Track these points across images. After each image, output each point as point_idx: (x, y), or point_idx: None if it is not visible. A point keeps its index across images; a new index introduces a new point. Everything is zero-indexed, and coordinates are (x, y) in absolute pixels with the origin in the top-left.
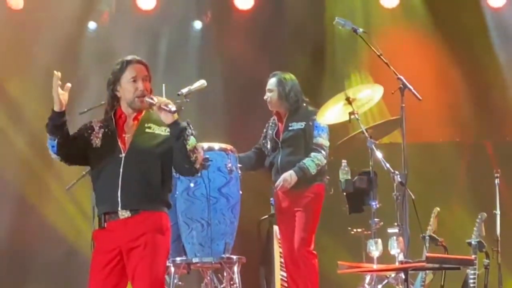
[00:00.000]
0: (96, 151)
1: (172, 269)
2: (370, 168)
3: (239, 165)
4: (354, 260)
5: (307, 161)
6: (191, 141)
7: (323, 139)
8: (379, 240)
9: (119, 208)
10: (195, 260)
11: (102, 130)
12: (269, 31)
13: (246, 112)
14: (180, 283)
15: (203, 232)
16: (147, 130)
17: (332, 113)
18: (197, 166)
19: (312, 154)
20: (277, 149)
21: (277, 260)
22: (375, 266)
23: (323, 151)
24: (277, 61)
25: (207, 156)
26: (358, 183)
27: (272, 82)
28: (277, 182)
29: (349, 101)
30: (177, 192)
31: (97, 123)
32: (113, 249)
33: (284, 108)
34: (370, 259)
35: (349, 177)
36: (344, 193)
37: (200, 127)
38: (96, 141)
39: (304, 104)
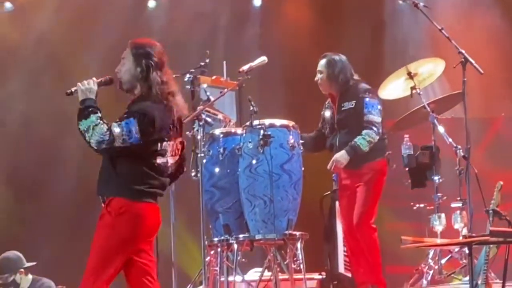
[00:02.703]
0: None
1: (235, 246)
2: (433, 142)
3: (301, 141)
4: (417, 236)
5: (358, 140)
6: (84, 122)
7: (373, 116)
8: (443, 215)
9: (100, 198)
10: (258, 237)
11: None
12: (330, 5)
13: (308, 88)
14: (243, 260)
15: (266, 209)
16: (99, 114)
17: (393, 88)
18: (93, 146)
19: (364, 131)
20: (335, 130)
21: (340, 236)
22: (438, 241)
23: (374, 128)
24: (338, 36)
25: (269, 132)
26: (420, 158)
27: (322, 63)
28: (329, 164)
29: (410, 76)
30: (239, 169)
31: None
32: None
33: (335, 89)
34: (433, 234)
35: (412, 152)
36: (407, 168)
37: (261, 103)
38: None
39: (355, 82)
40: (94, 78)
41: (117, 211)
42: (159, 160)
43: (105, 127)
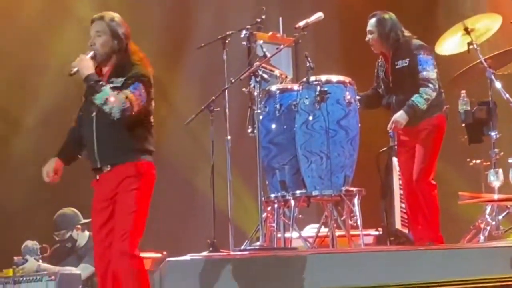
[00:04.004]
0: (81, 116)
1: (292, 202)
2: (490, 98)
3: (358, 97)
4: (474, 192)
5: (415, 98)
6: (99, 95)
7: (429, 72)
8: (500, 170)
9: (98, 165)
10: (315, 193)
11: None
12: None
13: (364, 44)
14: (300, 216)
15: (323, 165)
16: (110, 84)
17: (450, 44)
18: (115, 116)
19: (421, 89)
20: (390, 89)
21: (397, 192)
22: (496, 196)
23: (430, 84)
24: None
25: (325, 89)
26: (477, 113)
27: (371, 23)
28: (389, 125)
29: (467, 31)
30: (296, 125)
31: None
32: (104, 200)
33: (387, 48)
34: (490, 190)
35: (469, 108)
36: (463, 124)
37: (317, 60)
38: (82, 109)
39: (406, 39)
40: (83, 55)
41: (141, 173)
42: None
43: (121, 95)
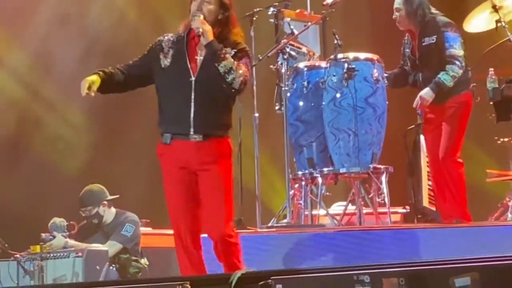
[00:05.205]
0: (165, 72)
1: (320, 179)
2: None
3: (385, 74)
4: (502, 170)
5: (442, 75)
6: (225, 62)
7: (455, 50)
8: None
9: (191, 132)
10: (342, 170)
11: (172, 50)
12: None
13: (392, 21)
14: (327, 193)
15: (350, 142)
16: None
17: (478, 21)
18: (235, 86)
19: (447, 66)
20: (416, 66)
21: (424, 170)
22: None
23: (457, 62)
24: None
25: (353, 66)
26: (505, 91)
27: (398, 0)
28: (415, 102)
29: (495, 8)
30: (323, 103)
31: (167, 42)
32: (184, 167)
33: (414, 25)
34: None
35: (497, 85)
36: (491, 102)
37: (345, 37)
38: (165, 61)
39: (433, 16)
40: (196, 16)
41: (231, 151)
42: None
43: (243, 67)
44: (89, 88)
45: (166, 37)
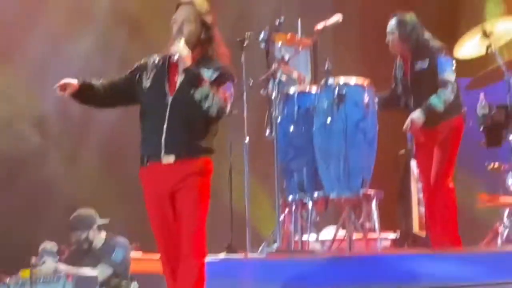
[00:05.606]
0: (145, 93)
1: (310, 204)
2: (508, 101)
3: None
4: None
5: (433, 99)
6: (201, 90)
7: (448, 74)
8: None
9: (163, 153)
10: (332, 195)
11: (154, 71)
12: None
13: (383, 45)
14: (318, 218)
15: (340, 168)
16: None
17: (468, 47)
18: (212, 114)
19: (439, 90)
20: (408, 90)
21: (415, 195)
22: None
23: (449, 86)
24: None
25: (343, 91)
26: (496, 116)
27: (392, 24)
28: (405, 124)
29: (486, 34)
30: (314, 127)
31: (151, 63)
32: (160, 190)
33: (407, 49)
34: (508, 193)
35: (487, 111)
36: (482, 127)
37: (336, 61)
38: (147, 83)
39: (426, 40)
40: (177, 40)
41: (208, 170)
42: None
43: (223, 93)
44: (65, 87)
45: (151, 58)
